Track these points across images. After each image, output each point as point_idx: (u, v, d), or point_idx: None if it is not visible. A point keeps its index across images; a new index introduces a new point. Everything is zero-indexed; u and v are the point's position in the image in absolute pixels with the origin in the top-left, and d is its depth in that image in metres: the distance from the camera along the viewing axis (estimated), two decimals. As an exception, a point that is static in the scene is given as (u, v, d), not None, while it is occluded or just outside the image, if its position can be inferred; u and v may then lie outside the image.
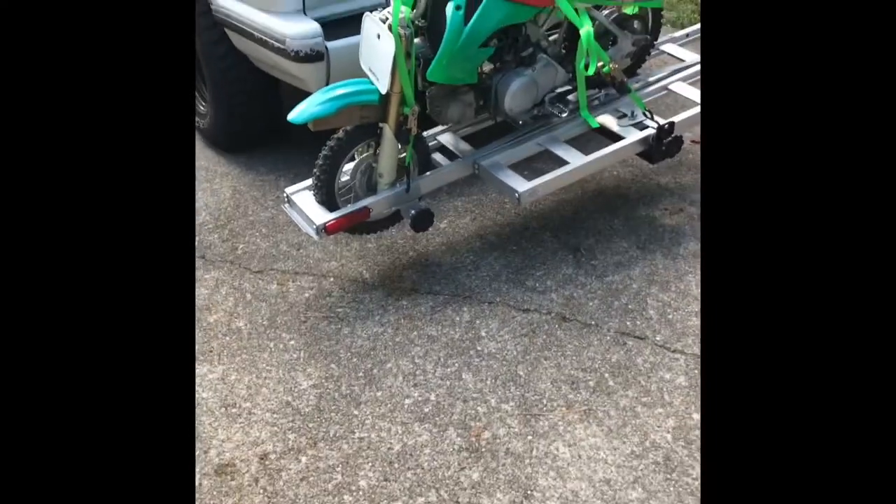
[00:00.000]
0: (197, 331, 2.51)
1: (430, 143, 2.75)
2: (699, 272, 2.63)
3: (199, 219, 3.06)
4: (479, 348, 2.40)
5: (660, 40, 3.15)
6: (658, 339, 2.38)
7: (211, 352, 2.43)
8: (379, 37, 2.33)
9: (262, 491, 1.99)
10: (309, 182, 2.61)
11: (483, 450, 2.07)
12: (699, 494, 1.91)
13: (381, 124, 2.46)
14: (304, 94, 2.86)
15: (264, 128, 3.39)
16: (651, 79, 3.04)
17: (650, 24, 2.97)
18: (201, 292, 2.68)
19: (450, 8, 2.32)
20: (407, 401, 2.23)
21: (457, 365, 2.34)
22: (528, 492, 1.95)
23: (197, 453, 2.10)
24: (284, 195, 2.63)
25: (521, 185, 2.55)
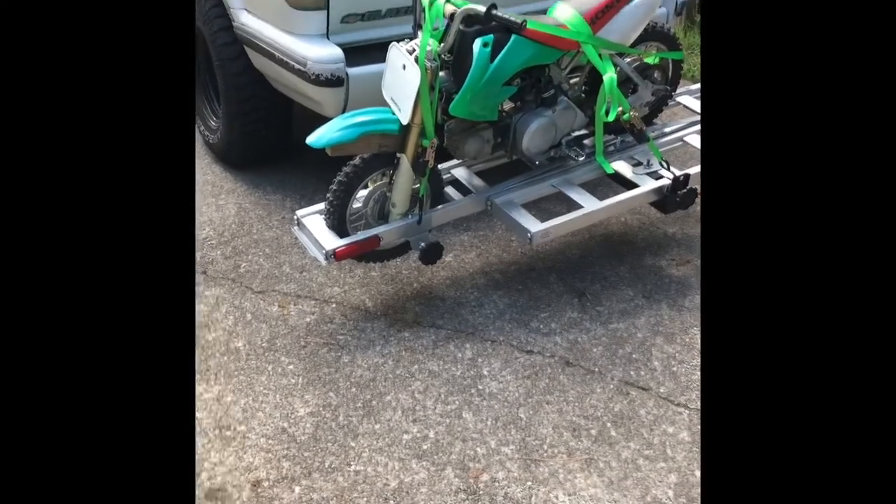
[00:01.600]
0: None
1: (444, 177, 2.74)
2: (704, 326, 2.61)
3: (202, 234, 3.02)
4: (480, 387, 2.36)
5: (676, 91, 3.17)
6: (662, 391, 2.35)
7: (208, 370, 2.38)
8: (405, 67, 2.32)
9: (252, 520, 1.94)
10: (320, 206, 2.58)
11: (481, 492, 2.03)
12: (700, 555, 1.88)
13: (398, 154, 2.45)
14: (317, 116, 2.86)
15: (274, 147, 3.37)
16: (667, 129, 3.05)
17: (670, 75, 3.00)
18: (201, 309, 2.63)
19: (477, 45, 2.33)
20: (405, 436, 2.19)
21: (457, 403, 2.30)
22: (526, 540, 1.91)
23: (187, 475, 2.04)
24: (295, 217, 2.60)
25: (533, 225, 2.54)
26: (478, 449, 2.16)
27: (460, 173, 2.83)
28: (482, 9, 2.23)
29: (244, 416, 2.24)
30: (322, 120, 2.53)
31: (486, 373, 2.42)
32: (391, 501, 2.00)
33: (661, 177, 2.75)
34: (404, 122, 2.37)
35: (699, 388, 2.37)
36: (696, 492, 2.04)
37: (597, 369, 2.43)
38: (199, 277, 2.79)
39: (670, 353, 2.50)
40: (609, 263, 2.92)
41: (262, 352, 2.47)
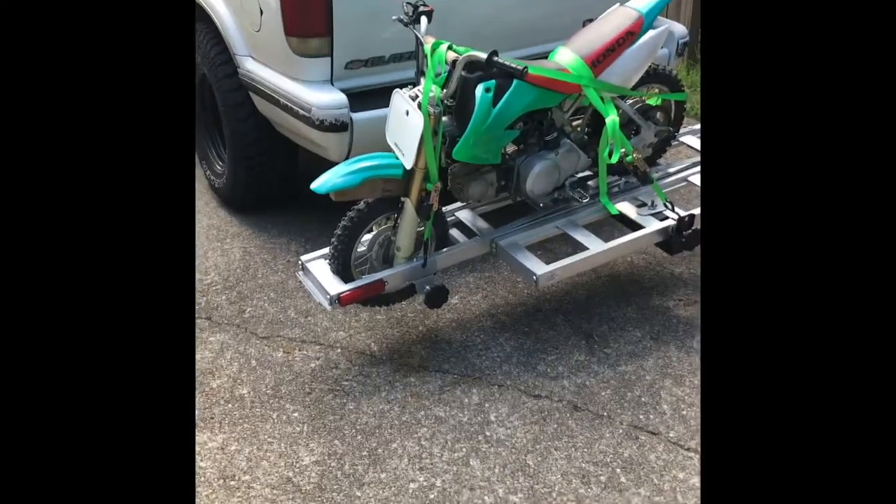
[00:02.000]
0: (199, 396, 2.45)
1: (448, 219, 2.74)
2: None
3: (207, 279, 3.02)
4: (487, 433, 2.33)
5: (679, 132, 3.18)
6: (671, 435, 2.32)
7: (212, 419, 2.36)
8: (408, 113, 2.34)
9: (256, 574, 1.90)
10: (324, 251, 2.58)
11: (489, 544, 1.99)
12: None
13: (402, 198, 2.45)
14: (322, 160, 2.88)
15: (279, 191, 3.39)
16: (671, 169, 3.06)
17: (672, 116, 3.01)
18: (205, 355, 2.62)
19: (479, 90, 2.34)
20: (412, 485, 2.16)
21: (464, 450, 2.27)
22: (536, 593, 1.86)
23: (190, 528, 2.01)
24: (299, 262, 2.60)
25: (539, 267, 2.53)
26: (486, 497, 2.12)
27: (465, 216, 2.83)
28: (483, 55, 2.25)
29: (248, 466, 2.21)
30: (327, 165, 2.55)
31: (493, 418, 2.39)
32: (398, 553, 1.96)
33: (666, 217, 2.74)
34: (408, 166, 2.37)
35: (710, 431, 2.33)
36: (710, 541, 1.99)
37: (605, 413, 2.40)
38: (203, 323, 2.78)
39: (679, 395, 2.46)
40: (616, 304, 2.90)
41: (267, 399, 2.45)
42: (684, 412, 2.40)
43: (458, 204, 2.84)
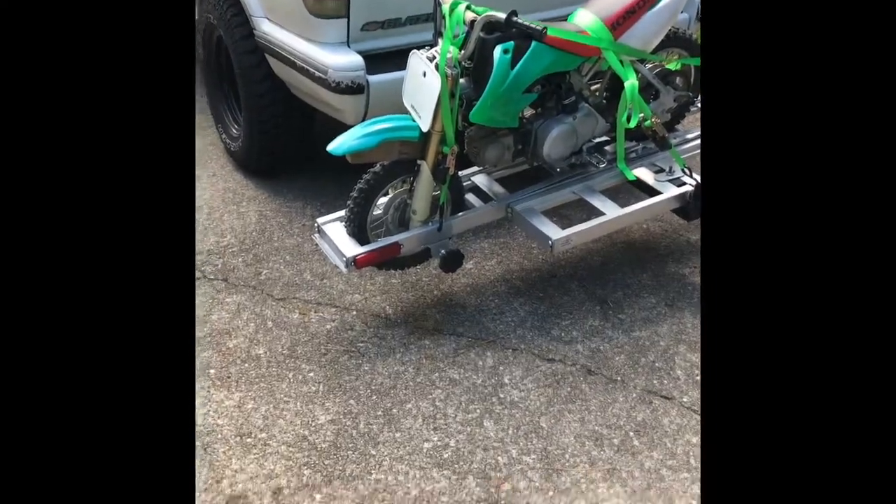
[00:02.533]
0: (215, 355, 2.47)
1: (464, 184, 2.73)
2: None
3: (223, 241, 3.04)
4: (501, 396, 2.35)
5: (699, 97, 3.14)
6: (685, 400, 2.32)
7: (229, 378, 2.39)
8: (425, 75, 2.32)
9: (273, 528, 1.93)
10: (340, 213, 2.59)
11: (502, 502, 2.01)
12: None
13: (419, 161, 2.44)
14: (338, 123, 2.87)
15: (295, 154, 3.38)
16: (689, 136, 3.03)
17: (692, 81, 2.97)
18: (222, 316, 2.64)
19: (497, 51, 2.32)
20: (426, 444, 2.18)
21: (478, 411, 2.29)
22: (548, 550, 1.89)
23: (209, 482, 2.05)
24: (315, 225, 2.61)
25: (554, 232, 2.53)
26: (499, 458, 2.14)
27: (481, 180, 2.82)
28: (502, 16, 2.23)
29: (265, 424, 2.24)
30: (342, 127, 2.54)
31: (507, 381, 2.40)
32: (412, 510, 1.99)
33: (684, 184, 2.72)
34: (425, 129, 2.36)
35: (723, 397, 2.34)
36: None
37: (619, 378, 2.41)
38: (220, 284, 2.80)
39: (693, 361, 2.46)
40: (631, 271, 2.89)
41: (283, 359, 2.47)
42: (698, 377, 2.40)
43: (475, 168, 2.83)
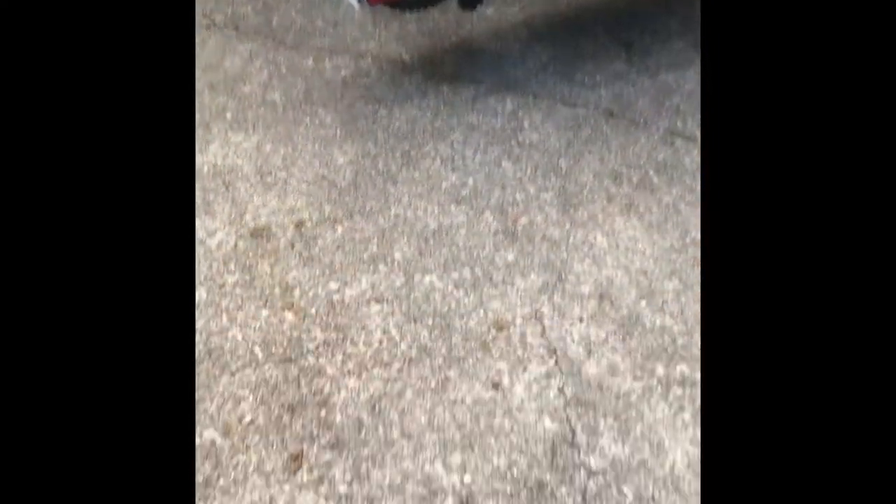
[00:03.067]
0: (230, 99, 2.44)
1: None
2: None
3: (231, -12, 2.89)
4: (520, 138, 2.32)
5: None
6: (708, 141, 2.29)
7: (245, 121, 2.37)
8: None
9: (297, 255, 2.00)
10: (352, -53, 2.42)
11: (519, 234, 2.05)
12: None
13: None
14: None
15: None
16: None
17: None
18: (235, 62, 2.58)
19: None
20: (444, 183, 2.19)
21: (497, 153, 2.28)
22: (563, 275, 1.95)
23: (232, 217, 2.09)
24: (325, -40, 2.45)
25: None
26: (517, 195, 2.15)
27: (502, -88, 2.60)
28: None
29: (284, 164, 2.25)
30: None
31: (526, 125, 2.36)
32: (431, 241, 2.03)
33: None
34: None
35: (747, 138, 2.30)
36: (736, 234, 2.03)
37: (642, 120, 2.36)
38: (231, 33, 2.70)
39: (719, 104, 2.39)
40: (659, 16, 2.74)
41: (299, 104, 2.43)
42: (723, 119, 2.34)
43: None
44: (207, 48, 2.63)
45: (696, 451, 1.58)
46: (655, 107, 2.39)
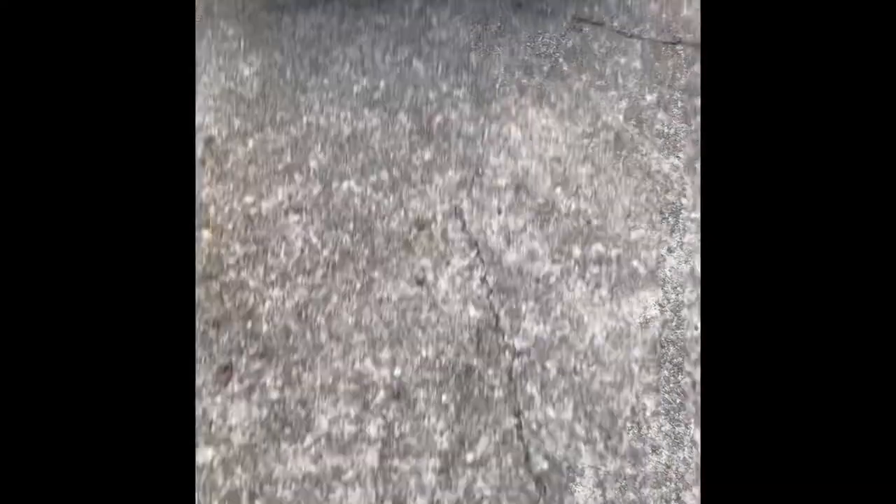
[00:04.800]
0: (124, 18, 2.32)
1: None
2: (663, -42, 2.48)
3: None
4: (429, 36, 2.28)
5: None
6: (615, 24, 2.29)
7: (142, 40, 2.27)
8: None
9: (209, 172, 1.96)
10: None
11: (434, 132, 2.04)
12: (646, 168, 1.95)
13: None
14: None
15: None
16: None
17: None
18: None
19: None
20: (355, 87, 2.15)
21: (407, 53, 2.24)
22: (480, 170, 1.96)
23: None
24: None
25: None
26: (430, 94, 2.14)
27: None
28: None
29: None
30: None
31: (434, 22, 2.32)
32: (346, 146, 2.01)
33: None
34: None
35: (652, 19, 2.30)
36: (646, 114, 2.07)
37: (549, 9, 2.34)
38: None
39: (626, -14, 2.39)
40: None
41: (199, 19, 2.33)
42: (629, 2, 2.34)
43: None
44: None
45: (614, 324, 1.65)
46: (563, -6, 2.37)
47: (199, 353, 1.60)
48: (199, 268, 1.75)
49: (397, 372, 1.59)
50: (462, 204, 1.89)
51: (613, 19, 2.30)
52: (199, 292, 1.71)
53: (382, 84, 2.16)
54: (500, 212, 1.87)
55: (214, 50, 2.25)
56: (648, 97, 2.10)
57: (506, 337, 1.64)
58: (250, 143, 2.02)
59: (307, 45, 2.26)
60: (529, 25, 2.29)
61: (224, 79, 2.18)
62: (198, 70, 2.20)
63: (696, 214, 1.86)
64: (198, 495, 1.45)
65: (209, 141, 2.03)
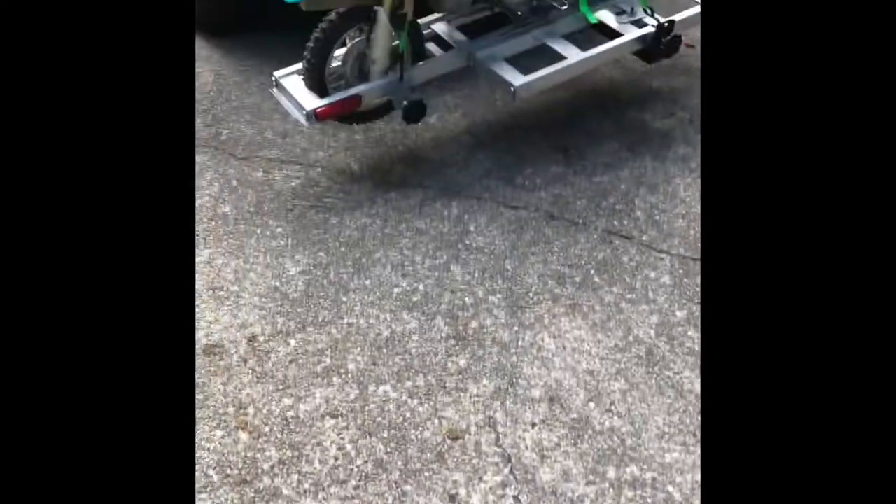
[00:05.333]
0: (182, 214, 2.48)
1: (424, 32, 2.66)
2: (686, 175, 2.64)
3: (181, 102, 2.97)
4: (467, 242, 2.40)
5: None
6: (644, 238, 2.40)
7: (196, 235, 2.41)
8: (377, -88, 2.21)
9: (250, 371, 2.01)
10: (298, 66, 2.53)
11: (470, 338, 2.11)
12: (679, 388, 1.98)
13: (375, 7, 2.37)
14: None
15: (248, 11, 3.25)
16: (652, -24, 2.95)
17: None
18: (185, 176, 2.63)
19: None
20: (395, 290, 2.25)
21: (445, 257, 2.35)
22: (514, 379, 2.00)
23: (185, 333, 2.10)
24: (273, 78, 2.55)
25: (517, 78, 2.50)
26: (466, 299, 2.22)
27: (441, 28, 2.75)
28: None
29: (236, 278, 2.28)
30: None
31: (472, 228, 2.45)
32: (384, 349, 2.07)
33: (645, 24, 2.68)
34: (380, -28, 2.28)
35: (681, 235, 2.42)
36: (677, 331, 2.12)
37: (581, 221, 2.47)
38: (181, 146, 2.76)
39: (653, 202, 2.53)
40: (594, 118, 2.90)
41: (250, 216, 2.49)
42: (657, 217, 2.47)
43: (435, 15, 2.75)
44: (158, 162, 2.68)
45: (650, 555, 1.62)
46: (593, 207, 2.51)
47: (228, 566, 1.58)
48: (233, 472, 1.76)
49: None
50: (496, 414, 1.91)
51: (642, 233, 2.42)
52: (234, 496, 1.71)
53: (421, 287, 2.25)
54: (533, 425, 1.88)
55: (263, 247, 2.38)
56: (678, 313, 2.17)
57: (539, 563, 1.60)
58: (292, 342, 2.09)
59: (351, 246, 2.39)
60: (562, 236, 2.41)
61: (270, 276, 2.28)
62: (245, 266, 2.31)
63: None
64: None
65: (252, 339, 2.10)
